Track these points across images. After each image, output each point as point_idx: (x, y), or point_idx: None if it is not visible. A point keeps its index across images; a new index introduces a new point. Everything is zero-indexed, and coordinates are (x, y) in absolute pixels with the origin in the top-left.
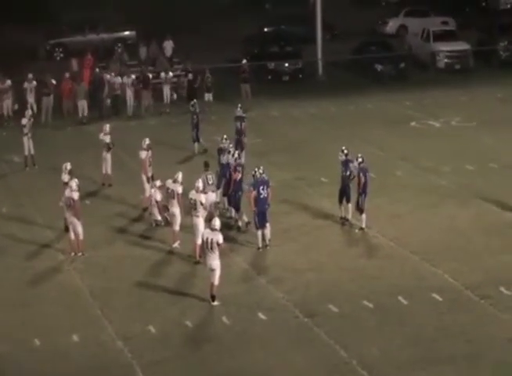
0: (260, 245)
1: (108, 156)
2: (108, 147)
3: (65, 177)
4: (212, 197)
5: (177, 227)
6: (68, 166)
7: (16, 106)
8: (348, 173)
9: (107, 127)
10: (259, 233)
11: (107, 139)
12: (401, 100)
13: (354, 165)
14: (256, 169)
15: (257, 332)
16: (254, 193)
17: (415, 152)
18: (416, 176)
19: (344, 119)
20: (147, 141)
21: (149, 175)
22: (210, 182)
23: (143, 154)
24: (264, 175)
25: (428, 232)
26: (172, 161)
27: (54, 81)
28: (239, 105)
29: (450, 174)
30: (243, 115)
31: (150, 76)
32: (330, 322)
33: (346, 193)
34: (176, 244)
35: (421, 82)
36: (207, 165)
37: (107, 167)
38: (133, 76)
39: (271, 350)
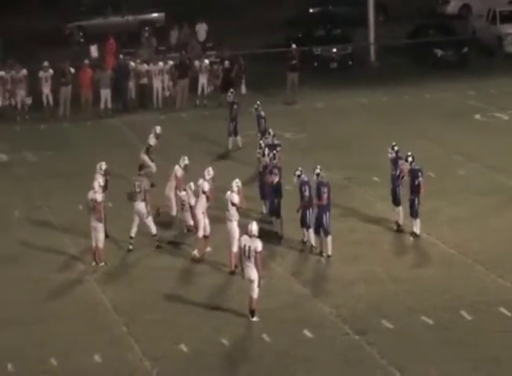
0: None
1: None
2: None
3: (98, 177)
4: None
5: (204, 232)
6: (103, 166)
7: (30, 100)
8: (398, 172)
9: (157, 129)
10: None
11: (152, 141)
12: (463, 90)
13: (406, 164)
14: (318, 169)
15: (302, 351)
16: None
17: (479, 148)
18: (480, 176)
19: (398, 111)
20: (186, 160)
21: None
22: None
23: (179, 172)
24: (321, 176)
25: (494, 238)
26: (206, 158)
27: (73, 70)
28: (272, 133)
29: None
30: (277, 142)
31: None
32: (384, 340)
33: (396, 196)
34: (206, 250)
35: (486, 69)
36: None
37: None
38: (161, 63)
39: (317, 372)
